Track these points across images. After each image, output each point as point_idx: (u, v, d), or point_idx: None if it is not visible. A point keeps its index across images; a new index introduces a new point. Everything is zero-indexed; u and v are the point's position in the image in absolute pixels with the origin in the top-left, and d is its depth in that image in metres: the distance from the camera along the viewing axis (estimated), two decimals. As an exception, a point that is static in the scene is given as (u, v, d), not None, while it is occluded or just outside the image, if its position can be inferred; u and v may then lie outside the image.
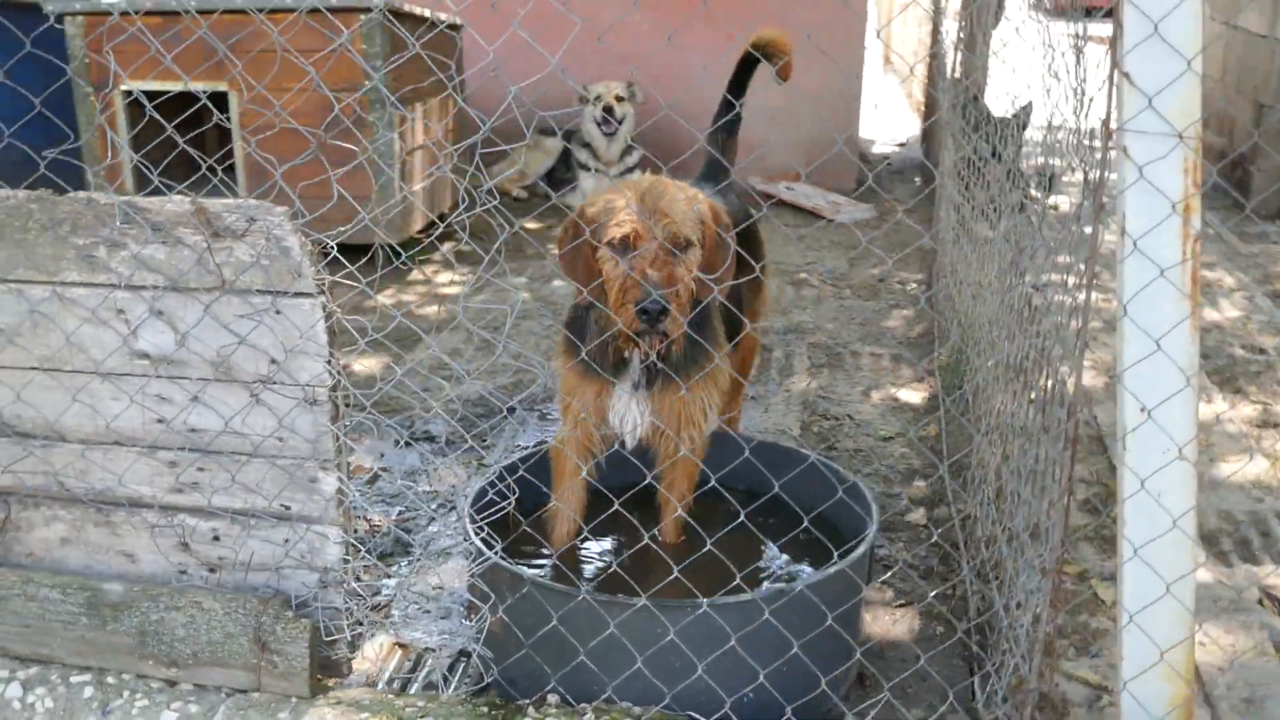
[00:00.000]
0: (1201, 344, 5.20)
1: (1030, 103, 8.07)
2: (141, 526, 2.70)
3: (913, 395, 4.84)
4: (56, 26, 6.11)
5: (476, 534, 2.76)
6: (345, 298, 4.48)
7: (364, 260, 2.61)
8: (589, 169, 8.44)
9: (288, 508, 2.62)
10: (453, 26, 7.37)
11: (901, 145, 10.78)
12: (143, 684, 2.69)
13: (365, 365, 5.02)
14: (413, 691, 2.77)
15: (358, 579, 3.00)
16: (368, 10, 6.02)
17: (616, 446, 3.07)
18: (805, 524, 2.82)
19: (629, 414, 2.95)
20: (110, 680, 2.70)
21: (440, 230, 3.30)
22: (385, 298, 6.33)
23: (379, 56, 6.06)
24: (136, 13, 5.70)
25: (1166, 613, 2.25)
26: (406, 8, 6.44)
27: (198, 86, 6.14)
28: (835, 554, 2.65)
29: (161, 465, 2.64)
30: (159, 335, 2.51)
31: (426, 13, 6.90)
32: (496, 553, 2.65)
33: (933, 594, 3.27)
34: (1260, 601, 3.16)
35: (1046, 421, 2.61)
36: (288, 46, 5.57)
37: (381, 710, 2.60)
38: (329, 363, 2.45)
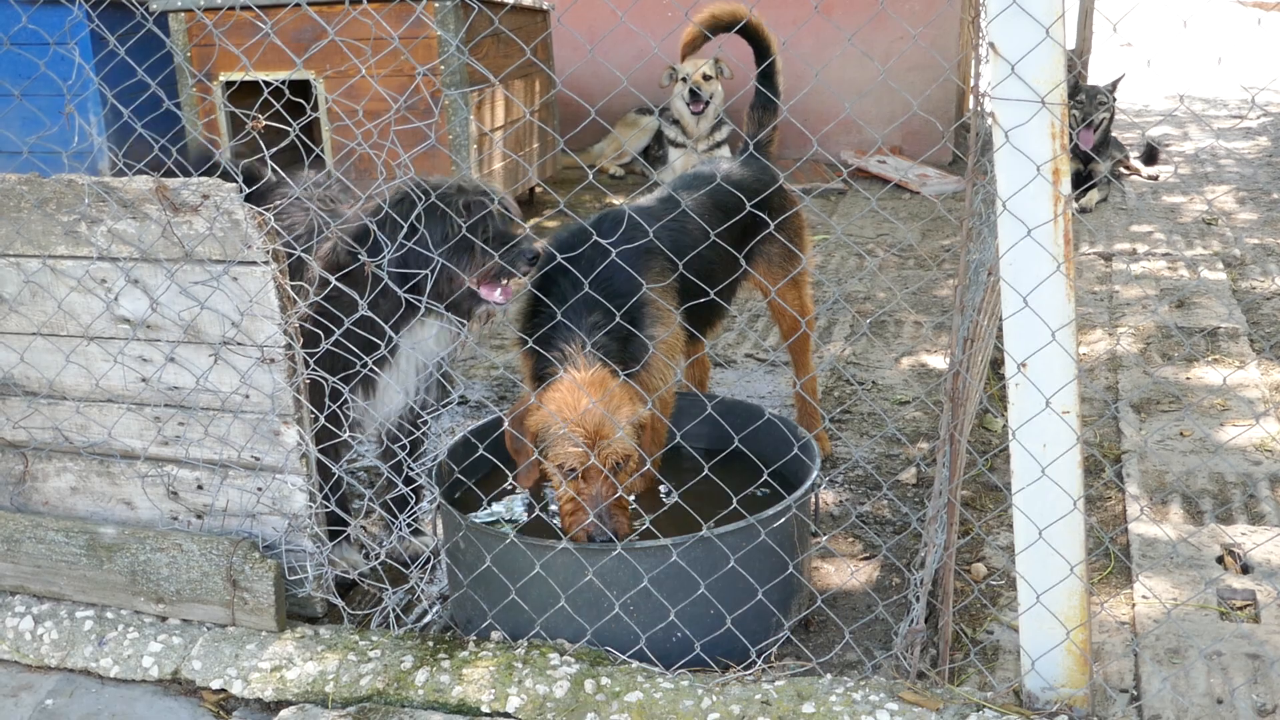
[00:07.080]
0: (1259, 312, 5.15)
1: (1123, 74, 7.97)
2: (135, 476, 3.01)
3: (942, 361, 4.89)
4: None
5: (440, 485, 3.00)
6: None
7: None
8: (679, 145, 8.66)
9: (257, 458, 2.88)
10: (538, 10, 7.61)
11: None
12: (136, 618, 2.99)
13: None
14: (375, 628, 3.01)
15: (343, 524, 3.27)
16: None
17: None
18: (765, 477, 2.99)
19: None
20: (109, 615, 3.00)
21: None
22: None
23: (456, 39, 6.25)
24: (242, 8, 6.07)
25: (1049, 493, 2.37)
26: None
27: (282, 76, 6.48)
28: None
29: (147, 420, 2.94)
30: (135, 301, 2.80)
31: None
32: (437, 497, 2.88)
33: (887, 546, 3.38)
34: (1219, 559, 3.18)
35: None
36: (384, 29, 5.88)
37: (339, 644, 2.85)
38: (280, 325, 2.70)
